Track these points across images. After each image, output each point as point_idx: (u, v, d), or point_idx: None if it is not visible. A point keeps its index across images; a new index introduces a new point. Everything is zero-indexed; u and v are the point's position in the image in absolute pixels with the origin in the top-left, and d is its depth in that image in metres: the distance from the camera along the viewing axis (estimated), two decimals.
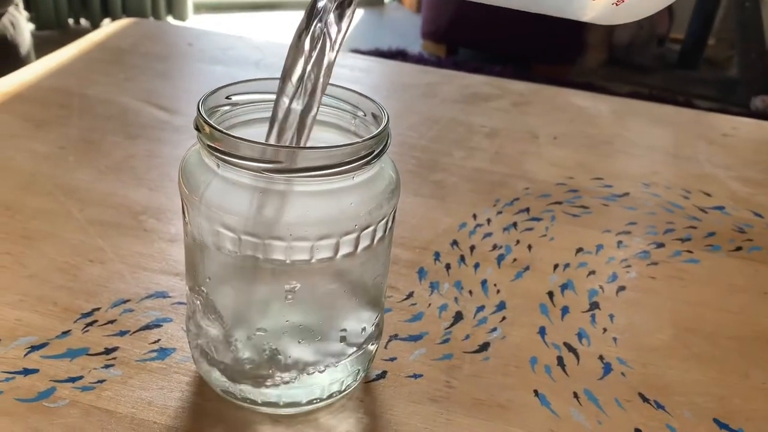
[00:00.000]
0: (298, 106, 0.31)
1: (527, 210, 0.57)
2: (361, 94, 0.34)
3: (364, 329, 0.34)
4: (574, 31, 2.38)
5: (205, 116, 0.29)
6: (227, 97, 0.33)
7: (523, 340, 0.42)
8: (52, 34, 2.23)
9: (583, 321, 0.45)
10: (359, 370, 0.36)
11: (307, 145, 0.31)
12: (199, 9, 2.87)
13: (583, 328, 0.44)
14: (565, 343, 0.43)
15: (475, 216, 0.55)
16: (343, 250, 0.30)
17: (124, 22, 0.90)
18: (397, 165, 0.34)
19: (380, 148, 0.30)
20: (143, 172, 0.56)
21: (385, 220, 0.32)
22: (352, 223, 0.30)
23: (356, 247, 0.31)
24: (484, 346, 0.41)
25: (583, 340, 0.43)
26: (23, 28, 1.25)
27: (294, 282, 0.31)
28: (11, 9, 1.22)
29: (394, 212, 0.33)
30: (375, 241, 0.32)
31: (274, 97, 0.32)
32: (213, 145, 0.29)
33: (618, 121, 0.76)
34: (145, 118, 0.65)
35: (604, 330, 0.44)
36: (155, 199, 0.53)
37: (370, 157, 0.30)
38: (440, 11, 2.45)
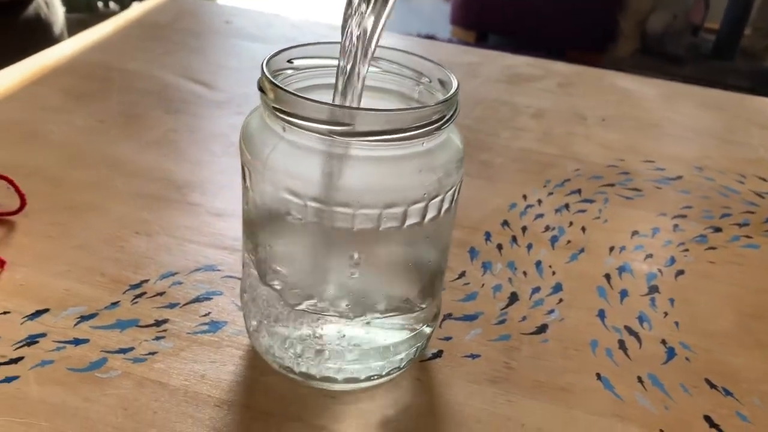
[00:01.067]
0: (350, 65, 0.29)
1: (579, 191, 0.55)
2: (426, 59, 0.32)
3: (424, 304, 0.33)
4: (606, 19, 2.33)
5: (270, 77, 0.28)
6: (289, 61, 0.32)
7: (582, 322, 0.41)
8: (81, 16, 2.23)
9: (642, 305, 0.43)
10: (418, 347, 0.34)
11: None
12: None
13: (644, 312, 0.42)
14: (625, 327, 0.41)
15: (525, 196, 0.53)
16: (411, 219, 0.29)
17: None
18: None
19: (451, 113, 0.29)
20: (185, 146, 0.55)
21: (453, 190, 0.30)
22: (420, 192, 0.28)
23: (423, 217, 0.29)
24: (543, 328, 0.40)
25: (644, 324, 0.41)
26: (57, 7, 1.25)
27: (358, 252, 0.29)
28: None
29: (461, 183, 0.31)
30: (442, 212, 0.30)
31: (336, 62, 0.31)
32: (279, 106, 0.28)
33: (665, 104, 0.74)
34: (184, 93, 0.64)
35: (665, 314, 0.42)
36: (198, 173, 0.52)
37: (441, 122, 0.28)
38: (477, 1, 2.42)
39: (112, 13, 2.17)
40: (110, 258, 0.41)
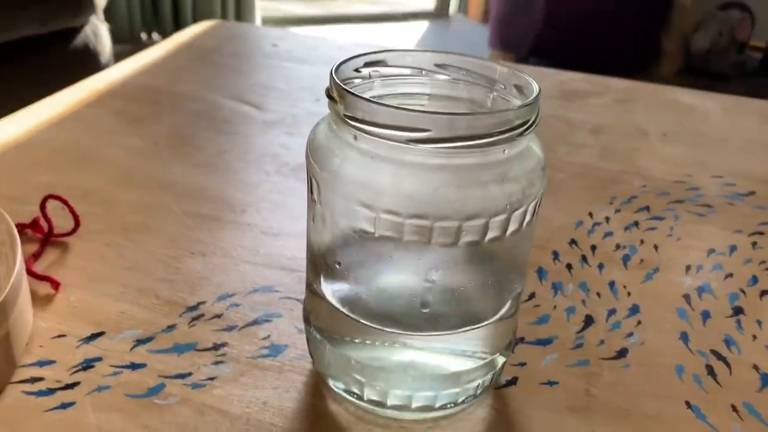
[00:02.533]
0: None
1: (647, 208, 0.52)
2: (498, 63, 0.30)
3: (501, 327, 0.31)
4: (650, 39, 2.30)
5: (340, 83, 0.27)
6: (356, 70, 0.30)
7: (664, 346, 0.38)
8: (125, 48, 2.28)
9: (728, 327, 0.40)
10: (493, 374, 0.32)
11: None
12: (267, 22, 2.91)
13: (730, 335, 0.39)
14: (712, 351, 0.38)
15: (591, 214, 0.51)
16: (492, 233, 0.27)
17: (208, 23, 0.89)
18: None
19: (533, 118, 0.27)
20: (237, 166, 0.54)
21: (536, 201, 0.28)
22: (503, 203, 0.26)
23: (505, 230, 0.27)
24: (623, 352, 0.37)
25: (732, 347, 0.38)
26: (104, 37, 1.27)
27: (435, 268, 0.27)
28: (93, 19, 1.25)
29: (542, 194, 0.29)
30: (524, 225, 0.28)
31: (404, 71, 0.29)
32: (350, 113, 0.26)
33: (728, 118, 0.71)
34: (234, 114, 0.63)
35: (754, 337, 0.39)
36: (251, 193, 0.50)
37: (524, 127, 0.26)
38: (509, 21, 2.41)
39: (156, 44, 2.21)
40: (165, 279, 0.40)
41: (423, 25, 3.09)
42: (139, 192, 0.49)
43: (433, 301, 0.28)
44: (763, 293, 0.43)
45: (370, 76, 0.31)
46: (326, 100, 0.28)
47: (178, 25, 2.44)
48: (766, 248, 0.48)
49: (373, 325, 0.29)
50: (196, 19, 2.43)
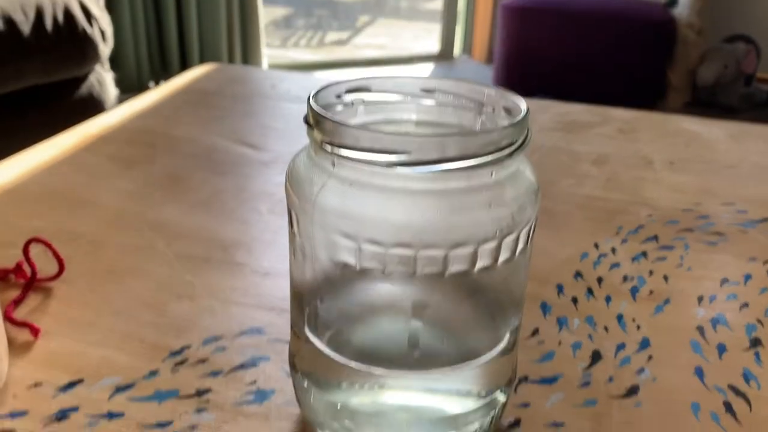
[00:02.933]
0: None
1: (655, 238, 0.50)
2: (486, 86, 0.29)
3: (497, 364, 0.29)
4: (656, 73, 2.30)
5: (317, 108, 0.25)
6: (338, 96, 0.29)
7: (678, 382, 0.36)
8: (133, 96, 2.31)
9: (745, 360, 0.37)
10: (492, 416, 0.30)
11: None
12: (273, 69, 2.94)
13: (748, 369, 0.37)
14: (730, 386, 0.35)
15: (596, 245, 0.49)
16: (481, 261, 0.25)
17: (207, 67, 0.89)
18: None
19: (522, 139, 0.25)
20: (232, 206, 0.53)
21: (528, 227, 0.26)
22: (492, 229, 0.25)
23: (496, 259, 0.25)
24: (633, 390, 0.35)
25: (751, 382, 0.36)
26: (108, 85, 1.28)
27: (422, 301, 0.25)
28: (98, 68, 1.26)
29: (536, 220, 0.28)
30: (517, 253, 0.26)
31: (389, 97, 0.28)
32: (327, 139, 0.25)
33: (736, 144, 0.69)
34: (231, 155, 0.63)
35: None
36: (244, 233, 0.49)
37: (512, 148, 0.25)
38: (514, 60, 2.42)
39: None
40: (150, 323, 0.38)
41: (428, 68, 3.11)
42: (128, 234, 0.48)
43: (423, 337, 0.26)
44: None
45: (352, 103, 0.30)
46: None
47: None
48: None
49: (359, 366, 0.27)
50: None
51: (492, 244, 0.25)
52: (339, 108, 0.29)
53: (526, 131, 0.26)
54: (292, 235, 0.28)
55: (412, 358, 0.27)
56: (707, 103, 2.44)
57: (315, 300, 0.27)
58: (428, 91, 0.30)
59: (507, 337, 0.29)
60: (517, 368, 0.32)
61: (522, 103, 0.27)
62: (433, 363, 0.27)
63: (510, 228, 0.25)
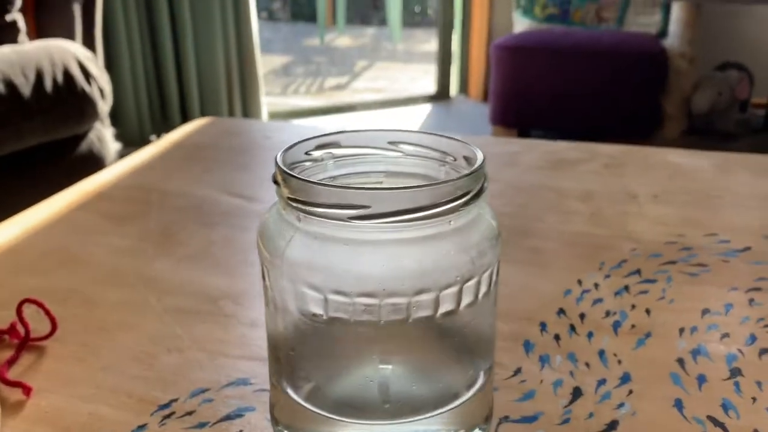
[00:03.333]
0: None
1: (638, 272, 0.51)
2: (449, 137, 0.30)
3: (471, 404, 0.29)
4: (651, 104, 2.32)
5: (282, 166, 0.27)
6: (307, 153, 0.30)
7: (658, 415, 0.36)
8: (136, 150, 2.35)
9: (725, 390, 0.38)
10: None
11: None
12: (273, 116, 2.99)
13: (728, 399, 0.37)
14: (709, 417, 0.36)
15: (580, 282, 0.49)
16: (444, 306, 0.26)
17: (202, 121, 0.92)
18: None
19: (478, 188, 0.27)
20: (222, 258, 0.54)
21: (489, 271, 0.27)
22: (452, 274, 0.26)
23: (458, 303, 0.26)
24: (613, 425, 0.35)
25: (730, 412, 0.36)
26: (108, 142, 1.31)
27: (389, 347, 0.26)
28: (97, 125, 1.29)
29: (499, 264, 0.29)
30: (479, 296, 0.27)
31: (357, 150, 0.30)
32: (293, 196, 0.26)
33: (721, 175, 0.70)
34: (222, 207, 0.64)
35: (754, 399, 0.37)
36: (235, 285, 0.50)
37: (467, 197, 0.26)
38: (509, 98, 2.46)
39: None
40: (139, 377, 0.39)
41: (426, 108, 3.16)
42: (121, 290, 0.49)
43: (393, 385, 0.27)
44: (762, 352, 0.41)
45: (322, 159, 0.31)
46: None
47: None
48: (765, 304, 0.46)
49: (333, 417, 0.28)
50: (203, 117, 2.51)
51: (454, 290, 0.26)
52: (308, 164, 0.30)
53: (482, 179, 0.27)
54: (265, 288, 0.29)
55: (383, 407, 0.27)
56: (704, 130, 2.46)
57: (288, 351, 0.28)
58: (394, 143, 0.32)
59: (480, 377, 0.29)
60: (493, 405, 0.32)
61: (479, 153, 0.28)
62: (405, 410, 0.28)
63: (471, 273, 0.26)
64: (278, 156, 0.28)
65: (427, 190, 0.25)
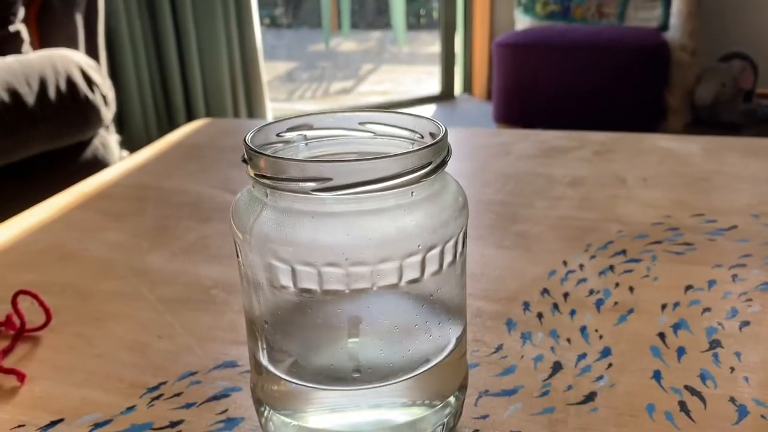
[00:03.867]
0: None
1: (623, 252, 0.51)
2: (416, 116, 0.31)
3: (441, 372, 0.30)
4: (654, 98, 2.32)
5: (253, 146, 0.28)
6: (278, 134, 0.31)
7: (636, 386, 0.37)
8: None
9: (704, 361, 0.38)
10: (444, 424, 0.31)
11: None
12: None
13: (706, 369, 0.38)
14: (686, 387, 0.36)
15: (565, 263, 0.50)
16: (408, 275, 0.27)
17: (200, 121, 0.93)
18: (474, 221, 0.30)
19: (439, 160, 0.27)
20: (215, 249, 0.55)
21: (453, 240, 0.28)
22: (414, 243, 0.27)
23: (422, 271, 0.27)
24: (591, 396, 0.36)
25: (708, 381, 0.37)
26: (112, 148, 1.33)
27: (358, 317, 0.27)
28: (101, 131, 1.31)
29: (464, 234, 0.29)
30: (444, 265, 0.28)
31: (329, 132, 0.31)
32: (259, 173, 0.27)
33: (712, 158, 0.71)
34: (218, 203, 0.65)
35: (732, 369, 0.38)
36: (226, 274, 0.51)
37: (428, 168, 0.27)
38: (512, 95, 2.46)
39: None
40: (130, 364, 0.40)
41: (431, 108, 3.17)
42: (114, 282, 0.50)
43: (363, 353, 0.28)
44: (743, 324, 0.42)
45: (294, 141, 0.32)
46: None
47: None
48: (748, 280, 0.47)
49: (309, 385, 0.29)
50: None
51: (416, 258, 0.27)
52: (280, 146, 0.31)
53: (444, 152, 0.28)
54: (239, 266, 0.30)
55: (354, 374, 0.28)
56: (709, 122, 2.45)
57: (263, 324, 0.29)
58: (364, 124, 0.33)
59: (451, 345, 0.30)
60: (467, 375, 0.33)
61: (442, 128, 0.29)
62: (375, 377, 0.28)
63: (433, 242, 0.27)
64: (248, 136, 0.29)
65: (388, 161, 0.26)
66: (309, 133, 0.32)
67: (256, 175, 0.27)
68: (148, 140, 2.43)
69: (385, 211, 0.26)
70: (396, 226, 0.26)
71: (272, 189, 0.27)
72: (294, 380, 0.29)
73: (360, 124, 0.33)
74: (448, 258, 0.28)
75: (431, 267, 0.27)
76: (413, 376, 0.29)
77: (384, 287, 0.27)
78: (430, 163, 0.27)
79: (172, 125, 2.50)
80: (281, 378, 0.29)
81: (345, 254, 0.26)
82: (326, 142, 0.33)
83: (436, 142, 0.27)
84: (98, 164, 1.23)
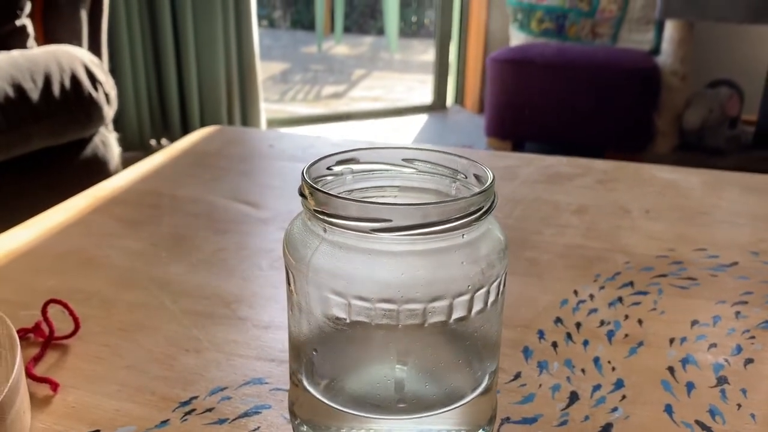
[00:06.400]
0: None
1: (631, 284, 0.53)
2: (459, 156, 0.33)
3: (477, 404, 0.32)
4: (642, 119, 2.36)
5: (310, 181, 0.29)
6: (328, 168, 0.33)
7: (649, 419, 0.39)
8: (136, 154, 2.37)
9: (712, 397, 0.40)
10: None
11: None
12: (272, 123, 3.01)
13: (715, 405, 0.40)
14: (697, 422, 0.38)
15: (576, 292, 0.52)
16: (457, 313, 0.28)
17: (208, 129, 0.94)
18: None
19: (489, 204, 0.29)
20: (234, 263, 0.56)
21: (498, 281, 0.30)
22: (464, 284, 0.28)
23: (470, 310, 0.29)
24: (607, 428, 0.38)
25: (717, 417, 0.39)
26: (112, 146, 1.33)
27: (406, 349, 0.29)
28: (102, 129, 1.31)
29: (506, 275, 0.31)
30: (489, 304, 0.30)
31: (374, 167, 0.32)
32: (319, 208, 0.28)
33: (710, 192, 0.73)
34: (232, 214, 0.66)
35: (739, 406, 0.40)
36: (246, 288, 0.52)
37: (479, 213, 0.28)
38: (503, 110, 2.49)
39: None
40: (160, 376, 0.41)
41: (422, 118, 3.19)
42: (137, 292, 0.51)
43: (408, 383, 0.30)
44: (747, 362, 0.44)
45: (342, 173, 0.33)
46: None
47: (186, 130, 2.54)
48: (750, 317, 0.49)
49: (351, 412, 0.30)
50: (203, 124, 2.53)
51: (466, 297, 0.28)
52: (330, 178, 0.33)
53: (492, 196, 0.30)
54: (289, 293, 0.31)
55: (399, 404, 0.30)
56: (695, 146, 2.50)
57: (311, 351, 0.31)
58: (409, 161, 0.34)
59: (486, 379, 0.32)
60: (497, 407, 0.35)
61: (489, 172, 0.31)
62: (418, 407, 0.30)
63: (481, 283, 0.29)
64: (304, 171, 0.30)
65: (443, 206, 0.28)
66: (355, 167, 0.34)
67: (315, 210, 0.28)
68: (142, 138, 2.42)
69: (438, 252, 0.28)
70: (448, 267, 0.28)
71: (330, 225, 0.28)
72: (337, 405, 0.30)
73: (404, 160, 0.34)
74: (492, 297, 0.30)
75: (477, 306, 0.29)
76: (453, 408, 0.30)
77: (433, 324, 0.28)
78: (481, 208, 0.28)
79: (166, 123, 2.50)
80: (324, 402, 0.31)
81: (399, 292, 0.27)
82: (371, 175, 0.34)
83: (488, 188, 0.29)
84: (98, 162, 1.23)
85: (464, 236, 0.28)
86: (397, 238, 0.27)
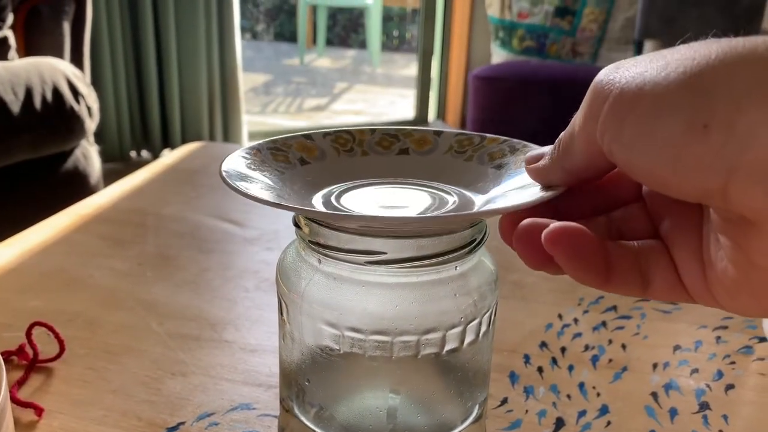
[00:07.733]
0: None
1: (614, 308, 0.54)
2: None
3: None
4: None
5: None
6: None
7: None
8: (116, 166, 2.35)
9: (695, 423, 0.41)
10: None
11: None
12: (254, 136, 3.00)
13: (697, 431, 0.40)
14: None
15: (560, 316, 0.53)
16: (449, 344, 0.29)
17: (193, 145, 0.94)
18: None
19: (481, 237, 0.29)
20: (218, 284, 0.56)
21: (489, 312, 0.30)
22: (457, 316, 0.28)
23: (462, 341, 0.29)
24: None
25: None
26: (93, 159, 1.32)
27: (398, 381, 0.29)
28: (83, 142, 1.30)
29: (497, 306, 0.31)
30: (480, 335, 0.30)
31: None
32: (313, 239, 0.28)
33: None
34: (216, 233, 0.66)
35: None
36: (231, 310, 0.52)
37: (473, 245, 0.29)
38: (485, 125, 2.51)
39: (145, 162, 2.28)
40: (146, 401, 0.41)
41: None
42: (122, 314, 0.51)
43: (400, 414, 0.30)
44: (728, 387, 0.45)
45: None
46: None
47: (167, 142, 2.52)
48: (730, 342, 0.50)
49: None
50: (184, 136, 2.52)
51: (458, 329, 0.29)
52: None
53: (484, 229, 0.30)
54: (282, 322, 0.31)
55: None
56: None
57: (303, 380, 0.31)
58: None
59: (476, 409, 0.32)
60: None
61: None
62: None
63: (473, 314, 0.29)
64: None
65: (437, 240, 0.28)
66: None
67: (310, 241, 0.29)
68: (122, 150, 2.40)
69: (431, 284, 0.28)
70: (441, 300, 0.28)
71: (325, 256, 0.28)
72: None
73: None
74: (483, 328, 0.30)
75: (470, 337, 0.29)
76: None
77: (426, 355, 0.28)
78: (474, 240, 0.29)
79: (147, 135, 2.48)
80: (316, 431, 0.31)
81: (393, 324, 0.28)
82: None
83: (480, 221, 0.29)
84: (79, 175, 1.22)
85: (457, 268, 0.29)
86: (390, 270, 0.28)
